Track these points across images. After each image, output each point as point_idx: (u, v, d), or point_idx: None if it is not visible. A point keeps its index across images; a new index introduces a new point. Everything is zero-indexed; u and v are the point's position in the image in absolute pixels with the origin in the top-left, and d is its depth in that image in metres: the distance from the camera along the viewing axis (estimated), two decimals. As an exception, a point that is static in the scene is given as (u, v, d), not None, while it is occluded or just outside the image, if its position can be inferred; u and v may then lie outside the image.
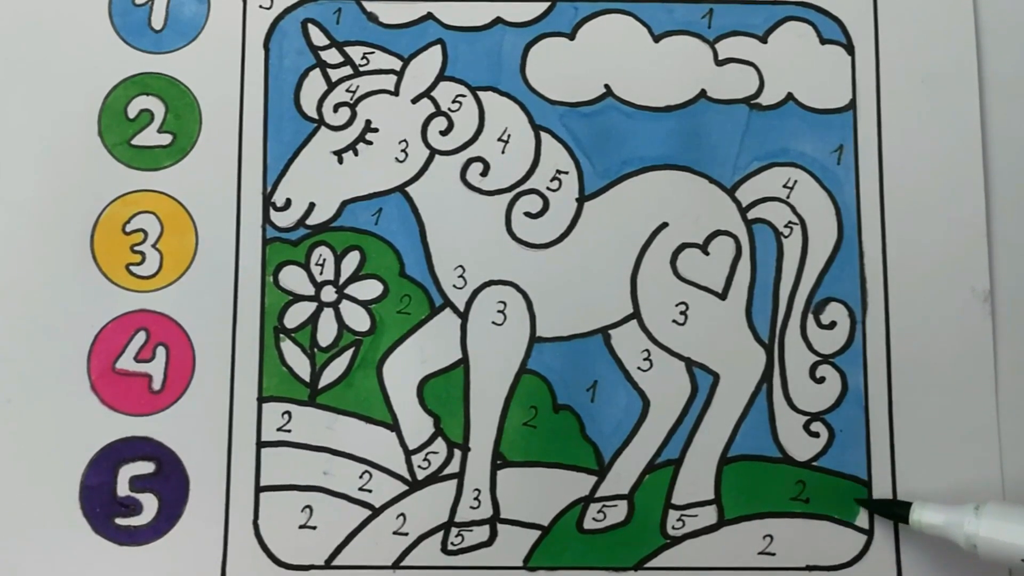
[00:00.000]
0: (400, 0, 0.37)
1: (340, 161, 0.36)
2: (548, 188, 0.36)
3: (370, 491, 0.34)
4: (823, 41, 0.37)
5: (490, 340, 0.35)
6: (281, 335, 0.35)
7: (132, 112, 0.36)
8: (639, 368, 0.35)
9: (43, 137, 0.36)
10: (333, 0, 0.37)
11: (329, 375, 0.35)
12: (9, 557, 0.34)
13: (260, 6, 0.37)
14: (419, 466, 0.34)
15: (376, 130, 0.36)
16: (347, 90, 0.36)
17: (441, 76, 0.36)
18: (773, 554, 0.34)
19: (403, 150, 0.36)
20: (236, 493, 0.34)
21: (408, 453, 0.35)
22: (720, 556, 0.34)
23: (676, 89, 0.36)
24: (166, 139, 0.36)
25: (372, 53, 0.36)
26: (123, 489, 0.34)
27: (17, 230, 0.35)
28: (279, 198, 0.36)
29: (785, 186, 0.36)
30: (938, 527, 0.32)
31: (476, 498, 0.34)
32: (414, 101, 0.36)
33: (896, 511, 0.34)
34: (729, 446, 0.35)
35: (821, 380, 0.35)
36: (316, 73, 0.36)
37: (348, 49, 0.36)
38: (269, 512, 0.34)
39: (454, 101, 0.36)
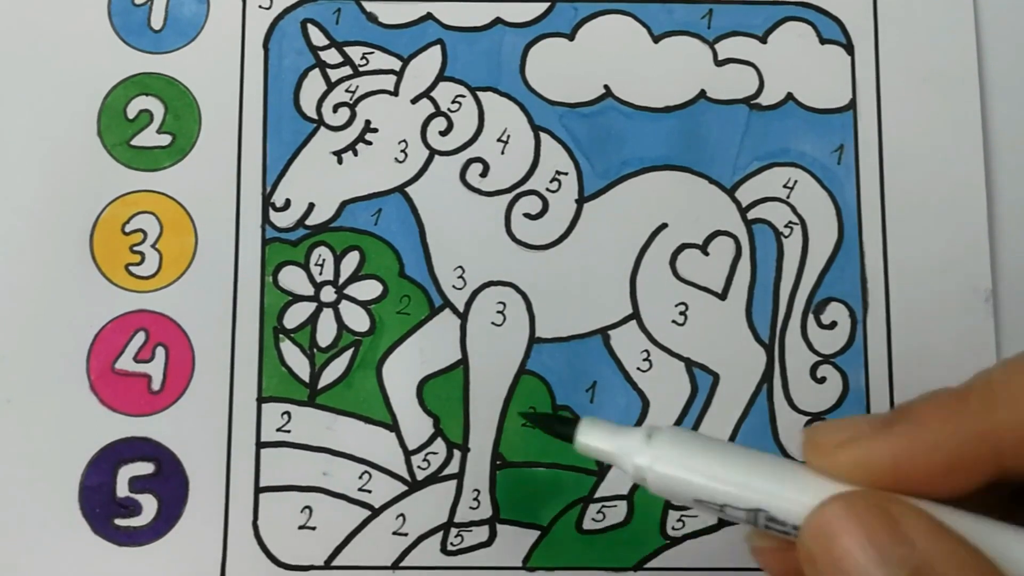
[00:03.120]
0: (400, 0, 0.37)
1: (340, 161, 0.36)
2: (548, 189, 0.36)
3: (370, 491, 0.34)
4: (823, 41, 0.37)
5: (489, 341, 0.35)
6: (281, 335, 0.35)
7: (131, 112, 0.36)
8: (639, 368, 0.35)
9: (42, 137, 0.36)
10: (333, 0, 0.37)
11: (329, 375, 0.35)
12: (8, 557, 0.34)
13: (260, 6, 0.37)
14: (419, 466, 0.34)
15: (376, 130, 0.36)
16: (346, 90, 0.36)
17: (441, 76, 0.36)
18: (773, 555, 0.34)
19: (403, 150, 0.36)
20: (236, 493, 0.34)
21: (408, 453, 0.34)
22: (720, 556, 0.34)
23: (676, 89, 0.36)
24: (165, 139, 0.36)
25: (372, 53, 0.36)
26: (123, 490, 0.34)
27: (16, 230, 0.35)
28: (278, 198, 0.36)
29: (785, 186, 0.36)
30: (606, 453, 0.25)
31: (476, 498, 0.34)
32: (414, 101, 0.36)
33: (559, 429, 0.26)
34: (729, 447, 0.35)
35: (822, 380, 0.35)
36: (316, 73, 0.36)
37: (348, 49, 0.36)
38: (269, 513, 0.34)
39: (454, 101, 0.36)
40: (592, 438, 0.25)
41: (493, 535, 0.34)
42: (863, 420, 0.23)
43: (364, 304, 0.35)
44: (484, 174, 0.36)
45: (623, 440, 0.25)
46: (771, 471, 0.23)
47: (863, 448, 0.22)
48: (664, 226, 0.36)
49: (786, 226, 0.36)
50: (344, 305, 0.35)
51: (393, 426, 0.35)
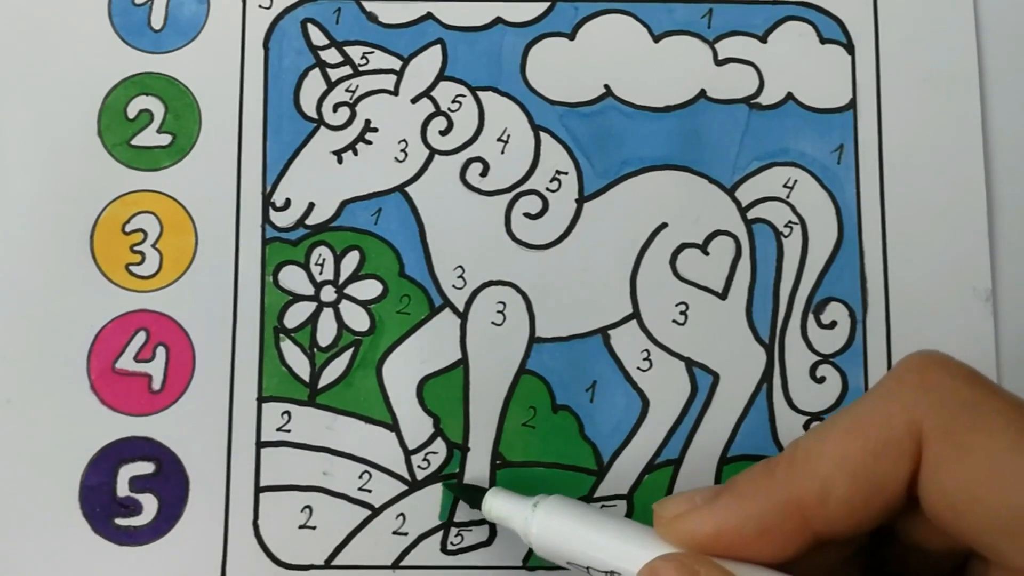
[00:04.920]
0: (400, 0, 0.37)
1: (340, 161, 0.36)
2: (548, 189, 0.36)
3: (370, 491, 0.34)
4: (823, 41, 0.37)
5: (489, 340, 0.35)
6: (281, 335, 0.35)
7: (132, 112, 0.36)
8: (639, 368, 0.35)
9: (43, 137, 0.36)
10: (333, 0, 0.37)
11: (329, 375, 0.35)
12: (8, 557, 0.34)
13: (260, 6, 0.37)
14: (419, 466, 0.34)
15: (376, 130, 0.36)
16: (346, 90, 0.36)
17: (441, 76, 0.36)
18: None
19: (403, 150, 0.36)
20: (236, 493, 0.34)
21: (408, 453, 0.35)
22: (720, 556, 0.34)
23: (676, 89, 0.36)
24: (166, 139, 0.36)
25: (372, 53, 0.36)
26: (123, 489, 0.34)
27: (16, 230, 0.35)
28: (279, 198, 0.36)
29: (785, 186, 0.36)
30: (504, 518, 0.31)
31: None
32: (414, 101, 0.36)
33: (471, 496, 0.32)
34: (729, 446, 0.35)
35: (822, 380, 0.35)
36: (316, 73, 0.36)
37: (348, 49, 0.36)
38: (269, 512, 0.34)
39: (454, 101, 0.36)
40: (494, 505, 0.31)
41: (493, 535, 0.34)
42: (699, 494, 0.26)
43: (364, 304, 0.35)
44: (484, 174, 0.36)
45: (517, 507, 0.30)
46: (625, 540, 0.27)
47: (692, 520, 0.26)
48: (664, 226, 0.36)
49: (786, 226, 0.36)
50: (344, 305, 0.35)
51: (393, 426, 0.35)
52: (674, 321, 0.35)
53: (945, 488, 0.23)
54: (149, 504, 0.34)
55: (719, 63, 0.37)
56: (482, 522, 0.34)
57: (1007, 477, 0.22)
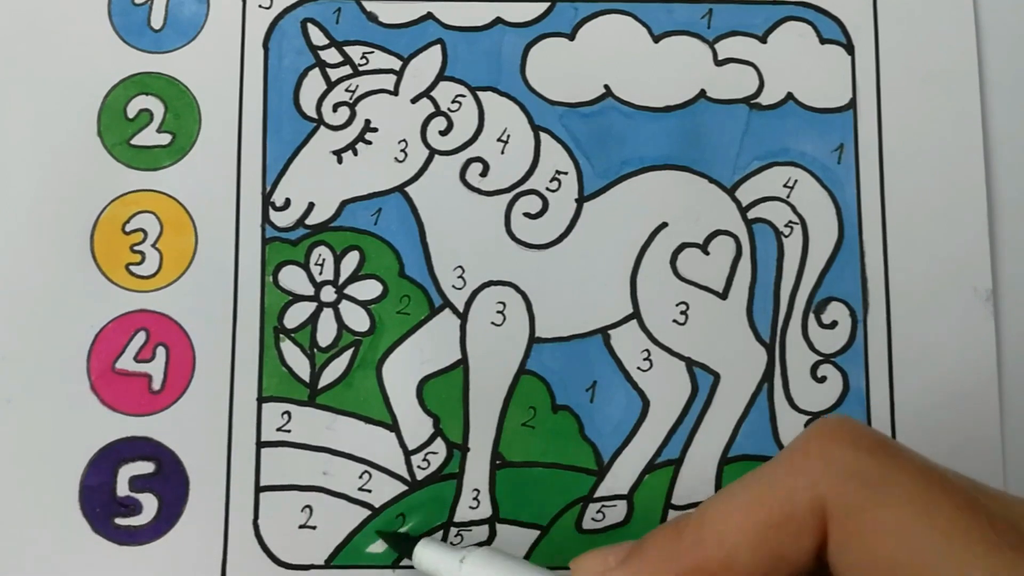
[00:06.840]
0: (400, 0, 0.37)
1: (339, 161, 0.36)
2: (548, 188, 0.36)
3: (370, 491, 0.34)
4: (823, 41, 0.37)
5: (489, 341, 0.35)
6: (281, 335, 0.35)
7: (131, 112, 0.36)
8: (639, 368, 0.35)
9: (42, 137, 0.36)
10: (333, 0, 0.37)
11: (329, 375, 0.35)
12: (8, 557, 0.34)
13: (259, 6, 0.37)
14: (419, 466, 0.34)
15: (375, 130, 0.36)
16: (346, 90, 0.36)
17: (441, 76, 0.36)
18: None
19: (402, 150, 0.36)
20: (236, 493, 0.34)
21: (407, 453, 0.35)
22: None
23: (676, 89, 0.36)
24: (165, 139, 0.36)
25: (372, 53, 0.36)
26: (123, 489, 0.34)
27: (16, 230, 0.35)
28: (278, 198, 0.36)
29: (785, 186, 0.36)
30: (432, 570, 0.31)
31: (475, 498, 0.34)
32: (414, 101, 0.36)
33: (403, 545, 0.33)
34: (730, 446, 0.35)
35: (822, 380, 0.35)
36: (315, 73, 0.36)
37: (347, 49, 0.36)
38: (269, 512, 0.34)
39: (454, 101, 0.36)
40: (423, 556, 0.31)
41: (493, 535, 0.34)
42: (614, 553, 0.27)
43: (364, 304, 0.35)
44: (484, 174, 0.36)
45: (444, 559, 0.31)
46: None
47: None
48: (664, 225, 0.36)
49: (786, 225, 0.36)
50: (344, 305, 0.35)
51: (393, 426, 0.35)
52: (674, 321, 0.35)
53: (855, 565, 0.23)
54: (149, 504, 0.34)
55: (719, 63, 0.37)
56: (482, 522, 0.34)
57: (914, 551, 0.22)
